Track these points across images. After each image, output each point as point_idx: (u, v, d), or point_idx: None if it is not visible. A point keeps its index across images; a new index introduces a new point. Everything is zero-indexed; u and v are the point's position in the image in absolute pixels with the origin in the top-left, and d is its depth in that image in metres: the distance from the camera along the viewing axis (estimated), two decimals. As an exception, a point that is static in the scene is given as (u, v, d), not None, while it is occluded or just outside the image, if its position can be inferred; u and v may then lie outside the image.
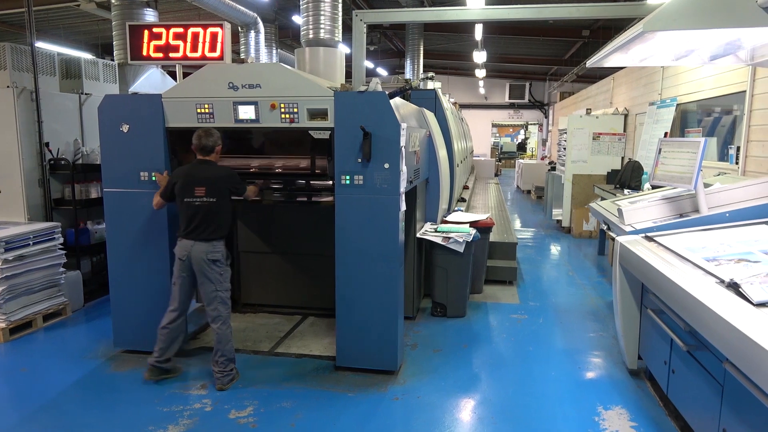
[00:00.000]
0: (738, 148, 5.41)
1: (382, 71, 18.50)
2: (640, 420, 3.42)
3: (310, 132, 3.90)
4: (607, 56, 3.48)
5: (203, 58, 5.22)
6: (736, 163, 5.41)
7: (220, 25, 5.18)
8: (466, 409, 3.60)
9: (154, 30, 5.30)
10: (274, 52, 12.34)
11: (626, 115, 9.75)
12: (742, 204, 3.86)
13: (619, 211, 4.12)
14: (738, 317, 2.21)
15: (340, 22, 5.43)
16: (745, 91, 5.25)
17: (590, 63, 3.70)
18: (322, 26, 5.27)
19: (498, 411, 3.55)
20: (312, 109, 3.86)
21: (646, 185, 6.24)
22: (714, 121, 6.14)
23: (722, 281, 2.62)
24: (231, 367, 3.86)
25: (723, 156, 5.92)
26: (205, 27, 5.23)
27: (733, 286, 2.49)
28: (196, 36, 5.22)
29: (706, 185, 4.03)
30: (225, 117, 3.98)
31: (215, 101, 3.97)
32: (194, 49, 5.23)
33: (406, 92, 4.63)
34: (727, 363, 2.36)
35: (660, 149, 4.14)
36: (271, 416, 3.45)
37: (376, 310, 3.91)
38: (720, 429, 2.58)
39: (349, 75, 5.97)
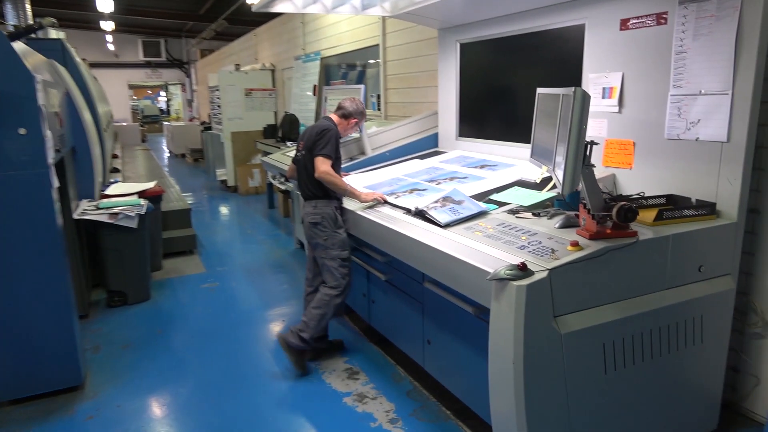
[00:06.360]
0: (378, 96, 6.13)
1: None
2: (347, 354, 3.63)
3: None
4: (273, 2, 3.36)
5: None
6: (379, 109, 6.14)
7: None
8: (177, 403, 3.17)
9: None
10: None
11: (273, 71, 10.04)
12: (395, 144, 4.41)
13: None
14: (433, 239, 2.46)
15: None
16: (378, 45, 5.92)
17: (255, 8, 3.51)
18: None
19: (212, 393, 3.24)
20: None
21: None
22: (359, 74, 6.79)
23: (409, 211, 2.89)
24: (305, 337, 3.27)
25: (371, 104, 6.65)
26: None
27: (420, 214, 2.77)
28: None
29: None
30: None
31: None
32: None
33: (29, 35, 3.56)
34: (427, 282, 2.65)
35: (326, 97, 4.33)
36: None
37: (40, 319, 3.05)
38: (425, 341, 2.92)
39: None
